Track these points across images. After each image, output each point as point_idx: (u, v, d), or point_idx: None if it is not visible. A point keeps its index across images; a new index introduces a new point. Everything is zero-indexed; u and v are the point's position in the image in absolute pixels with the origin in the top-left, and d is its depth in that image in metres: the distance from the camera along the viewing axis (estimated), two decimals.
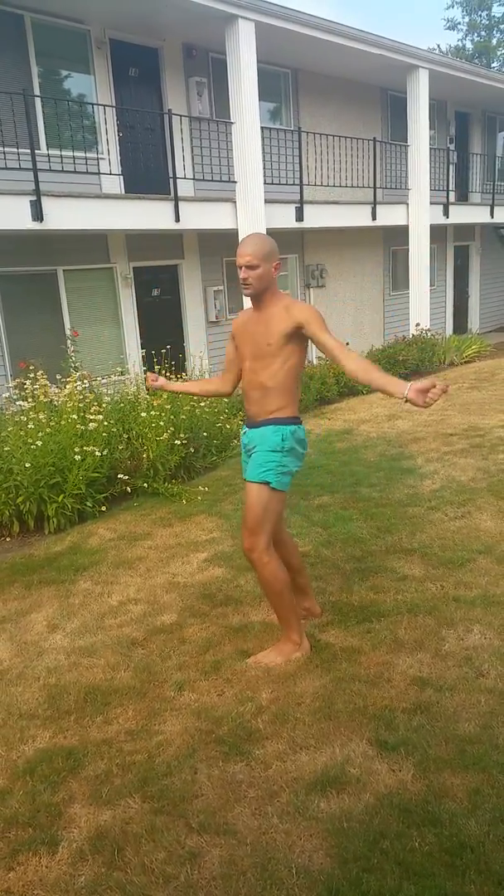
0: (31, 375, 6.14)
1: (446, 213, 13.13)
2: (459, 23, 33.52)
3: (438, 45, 37.31)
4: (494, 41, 33.03)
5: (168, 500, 5.62)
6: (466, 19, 33.33)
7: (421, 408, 2.60)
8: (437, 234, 13.67)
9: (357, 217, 11.34)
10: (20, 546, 4.98)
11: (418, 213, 12.24)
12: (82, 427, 5.55)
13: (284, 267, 11.48)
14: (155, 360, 8.14)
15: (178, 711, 2.83)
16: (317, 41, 9.82)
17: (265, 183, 9.29)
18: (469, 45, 33.20)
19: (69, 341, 8.08)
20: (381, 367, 10.13)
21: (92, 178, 8.25)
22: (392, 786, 2.33)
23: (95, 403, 6.00)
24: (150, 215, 8.23)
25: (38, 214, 7.06)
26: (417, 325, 12.58)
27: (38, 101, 7.86)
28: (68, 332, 8.35)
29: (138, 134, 9.11)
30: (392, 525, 4.64)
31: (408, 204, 12.24)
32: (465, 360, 12.21)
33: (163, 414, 6.06)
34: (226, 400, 7.41)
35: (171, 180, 8.35)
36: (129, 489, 5.67)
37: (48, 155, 7.55)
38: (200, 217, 8.85)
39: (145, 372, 8.24)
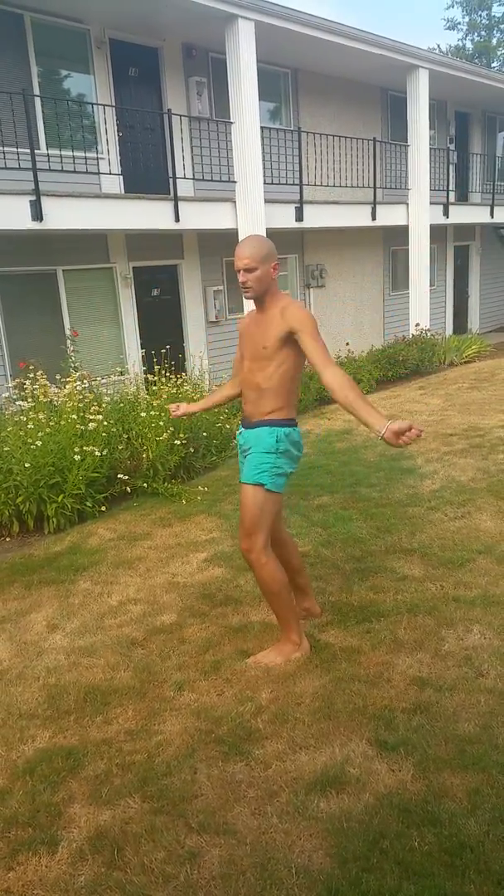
0: (31, 375, 6.14)
1: (446, 213, 13.13)
2: (459, 23, 33.52)
3: (438, 45, 37.34)
4: (494, 41, 33.02)
5: (168, 500, 5.62)
6: (466, 19, 33.32)
7: (393, 447, 2.58)
8: (437, 234, 13.67)
9: (357, 217, 11.34)
10: (20, 546, 4.98)
11: (418, 213, 12.24)
12: (82, 427, 5.55)
13: (284, 267, 11.48)
14: (154, 360, 8.14)
15: (178, 711, 2.83)
16: (317, 41, 9.82)
17: (265, 183, 9.29)
18: (469, 45, 33.20)
19: (69, 341, 8.08)
20: (381, 368, 9.99)
21: (92, 178, 8.25)
22: (392, 786, 2.33)
23: (95, 403, 6.00)
24: (149, 215, 8.23)
25: (37, 214, 7.06)
26: (417, 325, 12.58)
27: (37, 101, 7.85)
28: (68, 332, 8.35)
29: (138, 134, 9.11)
30: (392, 525, 4.64)
31: (408, 204, 12.24)
32: (465, 361, 12.21)
33: (162, 414, 6.06)
34: None
35: (171, 180, 8.34)
36: (128, 489, 5.67)
37: (48, 155, 7.54)
38: (200, 217, 8.85)
39: (145, 372, 8.25)
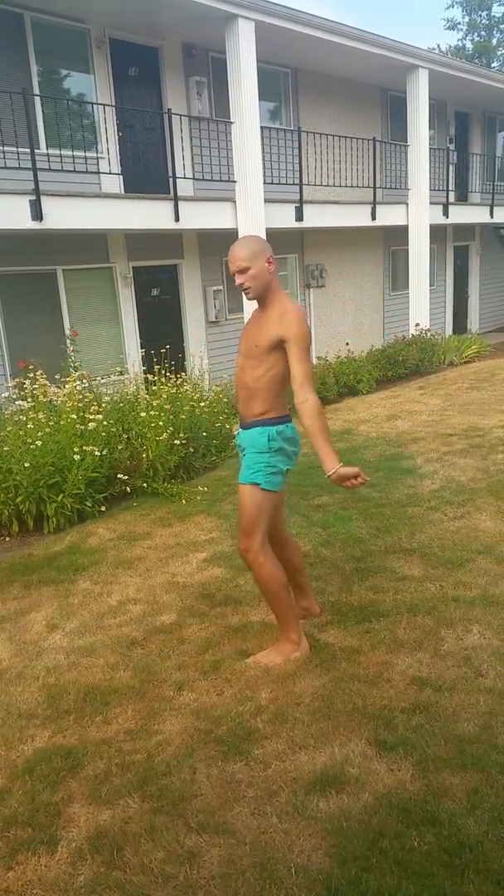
0: (31, 375, 6.14)
1: (446, 213, 13.13)
2: (459, 23, 33.53)
3: (438, 45, 37.37)
4: (494, 41, 33.03)
5: (167, 500, 5.62)
6: (466, 19, 33.34)
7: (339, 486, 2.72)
8: (437, 234, 13.67)
9: (357, 217, 11.34)
10: (19, 546, 4.98)
11: (418, 213, 12.25)
12: (82, 427, 5.55)
13: (284, 267, 11.48)
14: (154, 360, 8.14)
15: (178, 711, 2.83)
16: (317, 41, 9.82)
17: (265, 183, 9.29)
18: (469, 45, 33.22)
19: (69, 341, 8.08)
20: (381, 368, 10.00)
21: (91, 178, 8.25)
22: (391, 785, 2.33)
23: (95, 403, 6.00)
24: (149, 215, 8.23)
25: (37, 214, 7.06)
26: (417, 325, 12.59)
27: (37, 101, 7.85)
28: (68, 332, 8.35)
29: (138, 133, 9.11)
30: (391, 525, 4.64)
31: (407, 204, 12.24)
32: (465, 361, 12.21)
33: (162, 414, 6.06)
34: (225, 400, 7.42)
35: (171, 180, 8.34)
36: (128, 489, 5.67)
37: (48, 154, 7.54)
38: (200, 217, 8.85)
39: (145, 372, 8.25)
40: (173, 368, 7.94)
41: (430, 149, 12.34)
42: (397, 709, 2.72)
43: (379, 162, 11.77)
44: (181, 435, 6.02)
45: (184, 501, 5.53)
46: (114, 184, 8.68)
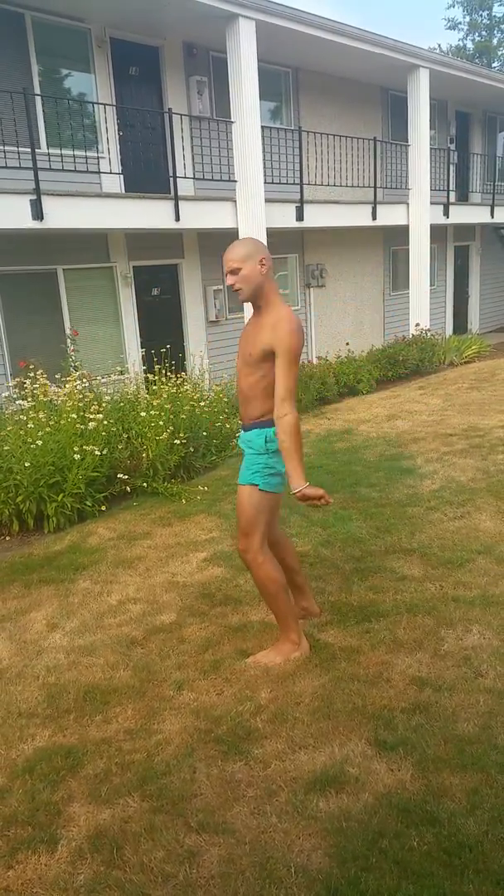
0: (31, 374, 6.15)
1: (446, 213, 13.13)
2: (460, 22, 33.54)
3: (439, 45, 37.37)
4: (495, 41, 33.04)
5: (167, 500, 5.62)
6: (467, 19, 33.34)
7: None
8: (438, 234, 13.68)
9: (357, 217, 11.33)
10: (20, 545, 4.98)
11: (419, 213, 12.24)
12: (82, 426, 5.55)
13: (284, 267, 11.48)
14: (155, 359, 8.15)
15: (178, 711, 2.83)
16: (318, 40, 9.82)
17: (265, 182, 9.29)
18: (470, 45, 33.22)
19: (69, 340, 8.08)
20: (381, 368, 9.99)
21: (92, 178, 8.25)
22: (391, 785, 2.34)
23: (95, 403, 6.00)
24: (150, 214, 8.23)
25: (38, 213, 7.06)
26: (417, 325, 12.59)
27: (38, 100, 7.85)
28: (68, 332, 8.35)
29: (139, 133, 9.11)
30: (391, 525, 4.64)
31: (408, 204, 12.24)
32: (465, 361, 12.21)
33: (162, 413, 6.06)
34: (225, 399, 7.42)
35: (172, 179, 8.34)
36: (128, 489, 5.67)
37: (48, 154, 7.54)
38: (200, 216, 8.85)
39: (145, 371, 8.25)
40: (173, 368, 7.94)
41: (431, 149, 12.34)
42: (397, 709, 2.72)
43: (379, 162, 11.77)
44: (181, 434, 6.02)
45: (184, 501, 5.53)
46: (114, 183, 8.68)
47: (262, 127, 9.26)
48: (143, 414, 6.07)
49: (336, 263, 12.45)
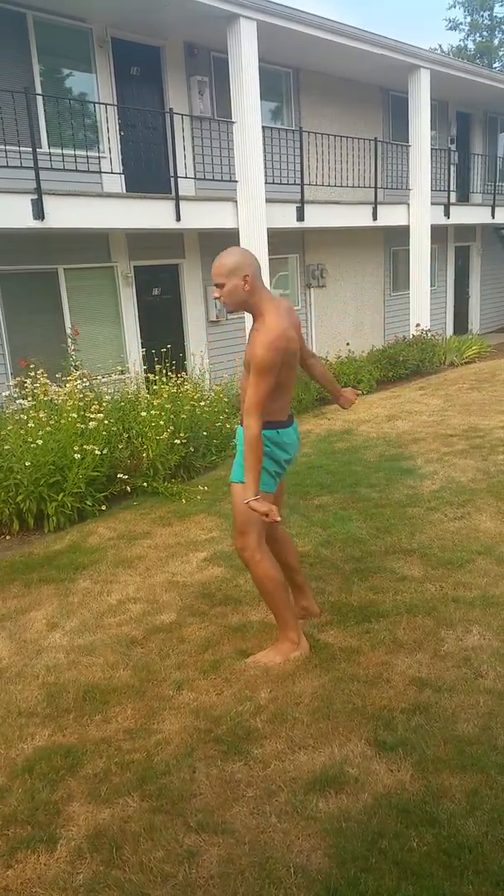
0: (32, 374, 6.15)
1: (447, 214, 13.13)
2: (461, 23, 33.54)
3: (440, 46, 37.32)
4: (496, 41, 33.04)
5: (168, 500, 5.62)
6: (468, 19, 33.34)
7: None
8: (438, 234, 13.67)
9: (358, 217, 11.33)
10: (20, 544, 4.98)
11: (419, 214, 12.24)
12: (82, 426, 5.56)
13: (285, 267, 11.49)
14: (155, 359, 8.14)
15: (177, 710, 2.83)
16: (318, 40, 9.82)
17: (266, 182, 9.29)
18: (471, 46, 33.22)
19: (70, 340, 8.08)
20: (382, 368, 10.00)
21: (93, 177, 8.25)
22: (390, 786, 2.34)
23: (96, 402, 6.01)
24: (151, 214, 8.23)
25: (39, 213, 7.06)
26: (418, 325, 12.59)
27: (39, 100, 7.85)
28: (69, 331, 8.35)
29: (140, 133, 9.11)
30: (391, 525, 4.64)
31: (409, 204, 12.24)
32: (466, 361, 12.21)
33: (163, 413, 6.06)
34: (226, 399, 7.43)
35: (173, 179, 8.34)
36: (128, 488, 5.67)
37: (49, 153, 7.54)
38: (201, 216, 8.85)
39: (146, 371, 8.25)
40: (174, 368, 7.94)
41: (432, 149, 12.33)
42: (397, 709, 2.72)
43: (380, 162, 11.77)
44: (182, 434, 6.02)
45: (184, 501, 5.53)
46: (115, 183, 8.67)
47: (263, 127, 9.26)
48: (143, 414, 6.07)
49: (337, 264, 12.45)
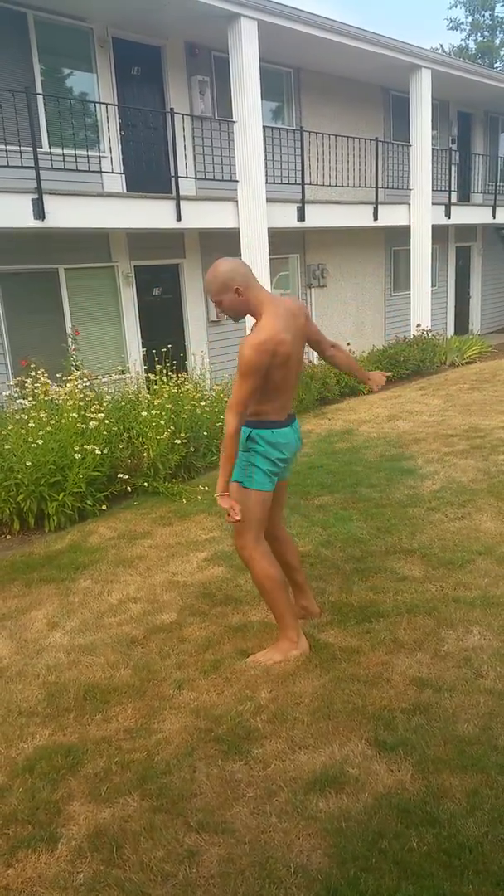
0: (32, 374, 6.15)
1: (448, 214, 13.12)
2: (462, 23, 33.53)
3: (441, 45, 37.29)
4: (497, 41, 33.03)
5: (168, 499, 5.62)
6: (469, 19, 33.32)
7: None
8: (439, 234, 13.67)
9: (359, 217, 11.33)
10: (20, 544, 4.98)
11: (420, 214, 12.24)
12: (83, 426, 5.56)
13: (286, 266, 11.49)
14: (156, 359, 8.14)
15: (178, 710, 2.83)
16: (319, 40, 9.82)
17: (267, 182, 9.29)
18: (472, 45, 33.20)
19: (70, 340, 8.08)
20: (382, 368, 10.06)
21: (94, 177, 8.25)
22: (391, 786, 2.34)
23: (96, 402, 6.01)
24: (151, 214, 8.23)
25: (39, 213, 7.06)
26: (418, 325, 12.58)
27: (40, 99, 7.85)
28: (69, 331, 8.35)
29: (140, 132, 9.11)
30: (392, 525, 4.64)
31: (409, 204, 12.24)
32: (466, 361, 12.21)
33: (163, 413, 6.06)
34: (226, 399, 7.42)
35: (173, 179, 8.35)
36: (129, 488, 5.67)
37: (50, 153, 7.55)
38: (202, 216, 8.85)
39: (146, 371, 8.25)
40: (174, 368, 7.94)
41: (433, 149, 12.33)
42: (397, 709, 2.72)
43: (381, 162, 11.77)
44: (182, 434, 6.03)
45: (184, 501, 5.54)
46: (116, 183, 8.68)
47: (264, 127, 9.26)
48: (143, 413, 6.08)
49: (337, 264, 12.45)
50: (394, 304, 13.85)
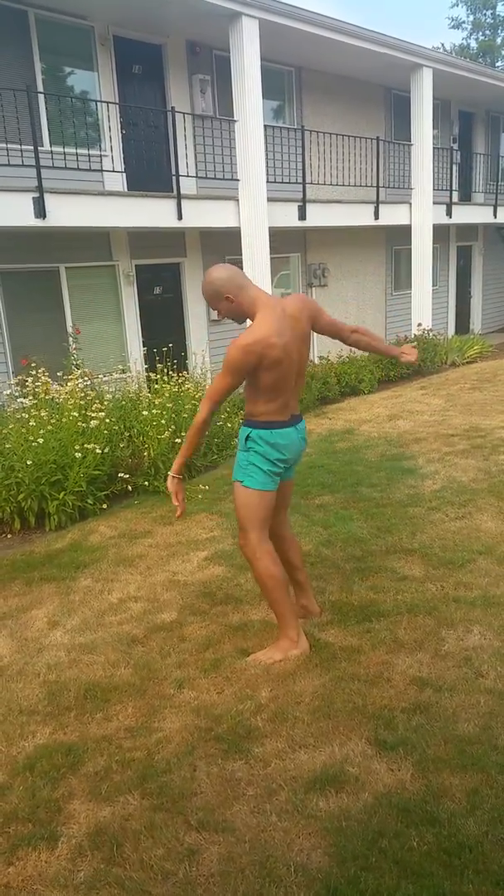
0: (33, 372, 6.15)
1: (449, 213, 13.12)
2: (464, 21, 33.47)
3: (443, 44, 37.21)
4: (499, 40, 32.97)
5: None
6: (471, 18, 33.27)
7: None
8: (440, 233, 13.66)
9: (360, 216, 11.33)
10: (21, 543, 4.99)
11: (421, 213, 12.23)
12: (84, 425, 5.56)
13: (287, 266, 11.48)
14: (156, 358, 8.15)
15: (178, 709, 2.84)
16: (321, 39, 9.81)
17: (268, 181, 9.28)
18: (473, 44, 33.15)
19: (71, 339, 8.08)
20: (383, 368, 10.05)
21: (95, 176, 8.24)
22: (391, 785, 2.34)
23: (97, 401, 6.01)
24: (152, 213, 8.23)
25: (40, 211, 7.06)
26: (419, 325, 12.58)
27: (41, 98, 7.85)
28: (70, 330, 8.35)
29: (141, 131, 9.10)
30: (392, 525, 4.64)
31: (411, 203, 12.23)
32: (467, 361, 12.21)
33: (164, 412, 6.07)
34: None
35: (174, 178, 8.34)
36: (129, 487, 5.68)
37: (51, 152, 7.54)
38: (203, 215, 8.85)
39: (147, 370, 8.25)
40: (175, 367, 7.94)
41: (434, 148, 12.32)
42: (397, 709, 2.72)
43: (382, 161, 11.75)
44: (183, 433, 6.02)
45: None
46: (117, 182, 8.67)
47: (265, 126, 9.25)
48: (144, 412, 6.08)
49: (338, 263, 12.44)
50: (395, 303, 13.84)
